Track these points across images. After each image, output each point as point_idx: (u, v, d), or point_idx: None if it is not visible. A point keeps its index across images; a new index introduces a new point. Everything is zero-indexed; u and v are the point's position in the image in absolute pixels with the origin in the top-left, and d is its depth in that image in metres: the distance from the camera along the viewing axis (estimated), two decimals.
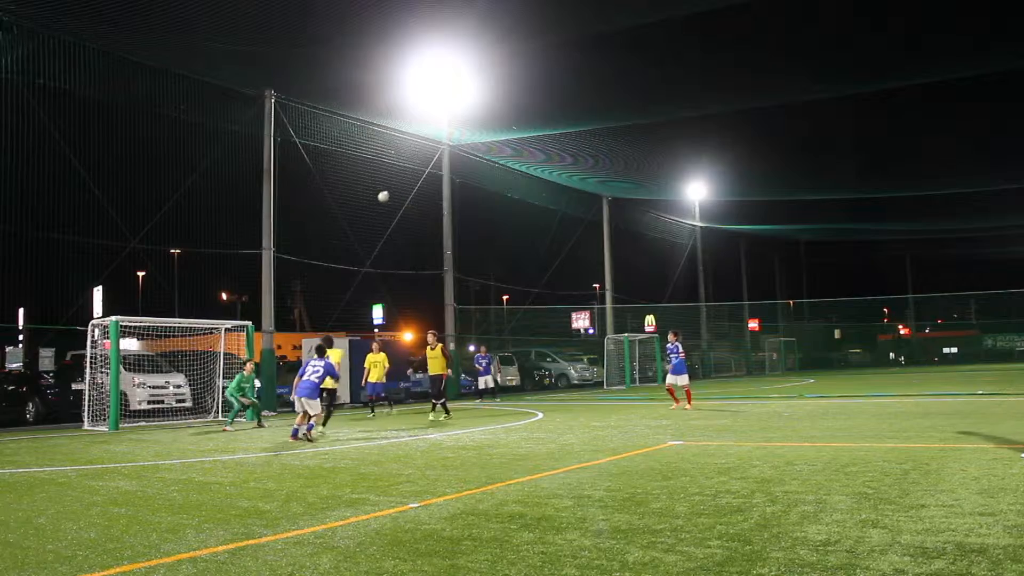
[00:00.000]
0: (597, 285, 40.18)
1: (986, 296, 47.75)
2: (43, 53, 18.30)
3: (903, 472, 6.98)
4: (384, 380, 18.12)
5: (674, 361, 16.88)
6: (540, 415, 16.53)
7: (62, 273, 20.48)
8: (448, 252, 27.89)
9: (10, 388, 20.25)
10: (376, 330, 32.22)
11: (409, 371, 22.72)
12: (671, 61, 22.61)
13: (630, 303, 38.11)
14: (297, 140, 23.06)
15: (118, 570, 4.49)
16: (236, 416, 15.66)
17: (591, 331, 38.79)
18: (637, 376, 33.47)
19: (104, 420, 16.38)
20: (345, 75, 21.96)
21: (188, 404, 19.25)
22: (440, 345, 16.89)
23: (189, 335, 20.26)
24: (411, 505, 6.19)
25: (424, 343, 17.94)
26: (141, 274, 31.59)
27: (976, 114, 28.72)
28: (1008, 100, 27.13)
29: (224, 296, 40.63)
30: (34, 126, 18.54)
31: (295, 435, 11.83)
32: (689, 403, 16.77)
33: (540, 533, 5.03)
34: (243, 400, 15.45)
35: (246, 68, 20.90)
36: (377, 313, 32.52)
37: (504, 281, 38.90)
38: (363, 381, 18.38)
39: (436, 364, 16.51)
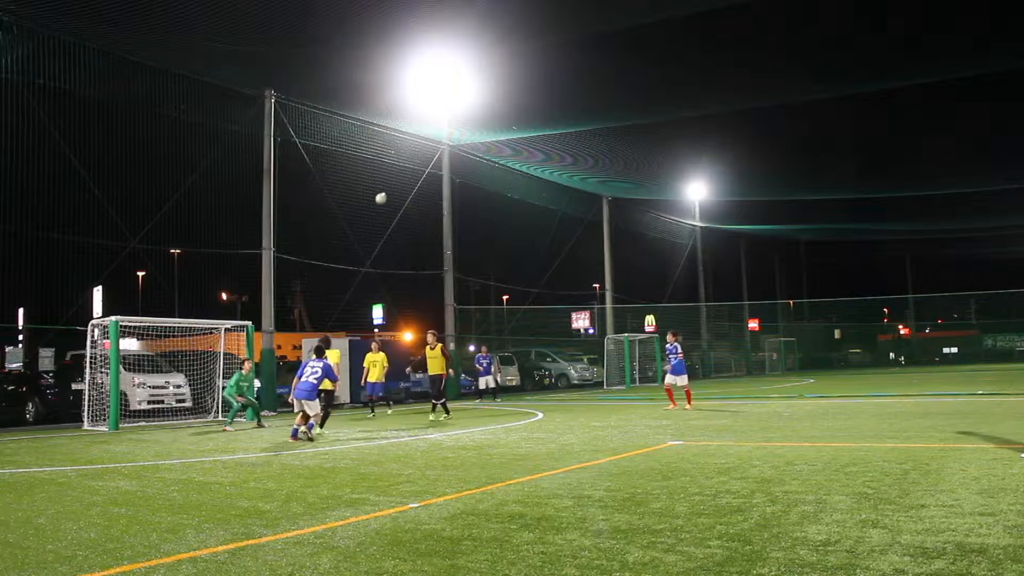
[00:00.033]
0: (597, 285, 40.19)
1: (986, 296, 47.76)
2: (43, 53, 18.30)
3: (903, 472, 6.98)
4: (383, 380, 18.13)
5: (673, 362, 16.89)
6: (540, 415, 16.53)
7: (62, 273, 20.49)
8: (448, 252, 27.89)
9: (10, 388, 20.25)
10: (376, 330, 32.22)
11: (408, 369, 22.72)
12: (671, 61, 22.61)
13: (630, 303, 38.11)
14: (297, 140, 23.06)
15: (118, 570, 4.49)
16: (236, 416, 15.66)
17: (591, 331, 38.80)
18: (637, 376, 33.48)
19: (104, 420, 16.38)
20: (345, 75, 21.96)
21: (188, 404, 19.25)
22: (440, 345, 16.89)
23: (189, 335, 20.27)
24: (411, 505, 6.19)
25: (424, 343, 17.94)
26: (141, 274, 31.59)
27: (976, 114, 28.72)
28: (1008, 100, 27.13)
29: (224, 296, 40.64)
30: (34, 126, 18.54)
31: (295, 435, 11.83)
32: (689, 403, 16.77)
33: (540, 533, 5.03)
34: (239, 399, 15.44)
35: (246, 68, 20.90)
36: (377, 313, 32.52)
37: (504, 281, 38.92)
38: (362, 380, 18.39)
39: (436, 364, 16.50)
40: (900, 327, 60.71)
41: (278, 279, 22.85)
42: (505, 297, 46.51)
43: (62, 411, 18.73)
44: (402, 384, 25.07)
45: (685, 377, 16.85)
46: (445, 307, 28.14)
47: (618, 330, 35.66)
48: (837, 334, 59.27)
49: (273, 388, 21.21)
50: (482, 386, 23.69)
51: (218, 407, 18.59)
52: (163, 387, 19.11)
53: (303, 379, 12.01)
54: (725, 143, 30.16)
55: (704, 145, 30.50)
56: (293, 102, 22.93)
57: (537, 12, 18.77)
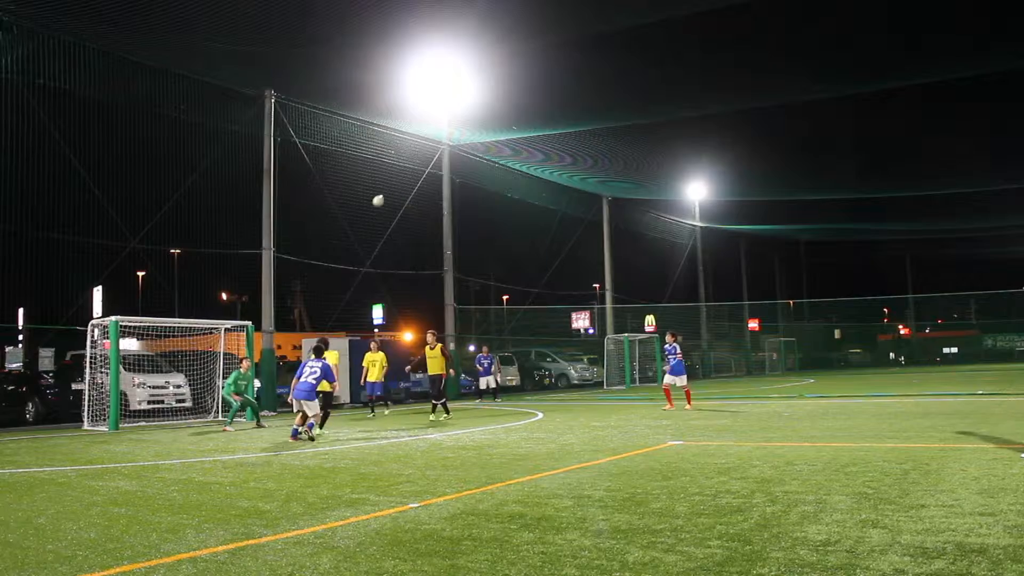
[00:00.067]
0: (597, 285, 40.20)
1: (986, 296, 47.78)
2: (43, 53, 18.30)
3: (903, 472, 6.98)
4: (383, 380, 18.14)
5: (672, 362, 16.91)
6: (540, 415, 16.53)
7: (62, 273, 20.49)
8: (448, 252, 27.89)
9: (10, 388, 20.25)
10: (376, 330, 32.22)
11: (408, 368, 22.72)
12: (671, 61, 22.60)
13: (630, 303, 38.11)
14: (297, 140, 23.07)
15: (118, 570, 4.49)
16: (235, 416, 15.66)
17: (591, 331, 38.80)
18: (637, 376, 33.48)
19: (104, 420, 16.38)
20: (345, 75, 21.96)
21: (188, 404, 19.26)
22: (440, 345, 16.87)
23: (189, 335, 20.27)
24: (411, 505, 6.19)
25: (423, 343, 17.94)
26: (141, 274, 31.60)
27: (976, 114, 28.72)
28: (1008, 100, 27.13)
29: (224, 296, 40.64)
30: (34, 126, 18.54)
31: (295, 435, 11.83)
32: (689, 403, 16.77)
33: (540, 533, 5.03)
34: (235, 397, 15.44)
35: (246, 68, 20.89)
36: (377, 313, 32.53)
37: (504, 281, 38.92)
38: (362, 380, 18.41)
39: (435, 364, 16.49)
40: (900, 327, 60.72)
41: (278, 279, 22.86)
42: (505, 297, 46.52)
43: (62, 411, 18.73)
44: (402, 384, 25.08)
45: (684, 377, 16.86)
46: (445, 307, 28.14)
47: (618, 330, 35.67)
48: (837, 334, 59.29)
49: (273, 388, 21.22)
50: (483, 386, 23.69)
51: (218, 407, 18.59)
52: (163, 387, 19.12)
53: (302, 379, 12.01)
54: (725, 143, 30.15)
55: (704, 145, 30.50)
56: (293, 102, 22.93)
57: (537, 12, 18.77)
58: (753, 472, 7.30)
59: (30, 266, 19.47)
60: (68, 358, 21.49)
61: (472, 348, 38.46)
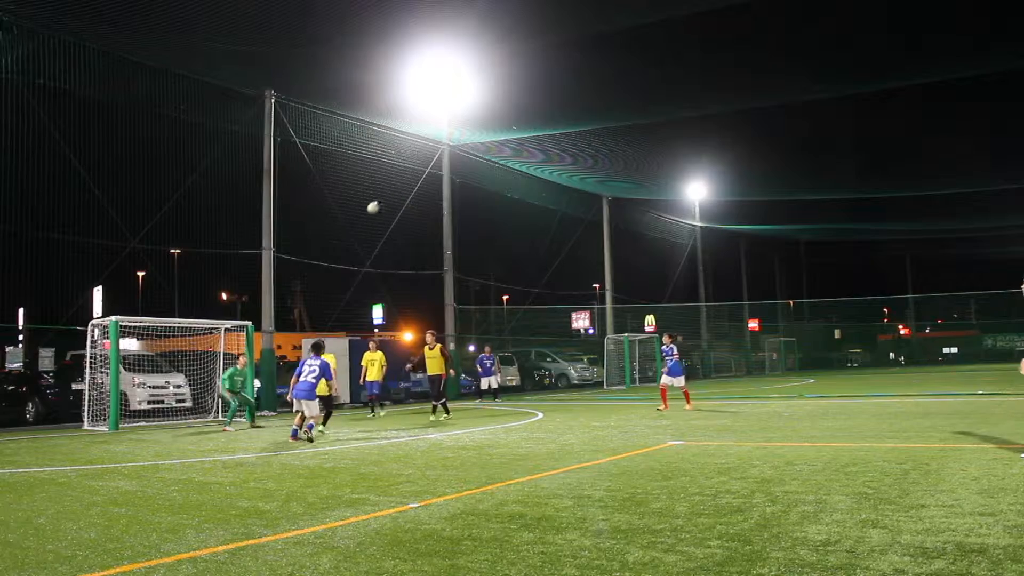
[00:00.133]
0: (597, 285, 40.19)
1: (986, 296, 47.75)
2: (43, 53, 18.30)
3: (903, 472, 6.98)
4: (382, 379, 18.16)
5: (670, 363, 16.92)
6: (540, 415, 16.53)
7: (62, 273, 20.49)
8: (448, 252, 27.89)
9: (10, 388, 20.26)
10: (376, 330, 32.23)
11: (408, 367, 22.74)
12: (671, 61, 22.60)
13: (630, 303, 38.12)
14: (297, 140, 23.07)
15: (118, 570, 4.49)
16: (235, 415, 15.66)
17: (591, 331, 38.80)
18: (637, 376, 33.48)
19: (104, 420, 16.38)
20: (345, 75, 21.96)
21: (188, 404, 19.26)
22: (439, 345, 16.85)
23: (189, 335, 20.27)
24: (411, 505, 6.19)
25: (423, 343, 17.95)
26: (141, 274, 31.59)
27: (976, 114, 28.72)
28: (1008, 100, 27.13)
29: (224, 296, 40.64)
30: (34, 126, 18.54)
31: (295, 435, 11.82)
32: (688, 403, 16.76)
33: (540, 533, 5.03)
34: (229, 394, 15.45)
35: (246, 68, 20.89)
36: (377, 313, 32.53)
37: (504, 281, 38.92)
38: (361, 380, 18.43)
39: (434, 364, 16.47)
40: (900, 327, 60.71)
41: (278, 279, 22.86)
42: (505, 297, 46.52)
43: (62, 411, 18.73)
44: (402, 384, 25.08)
45: (682, 378, 16.87)
46: (445, 307, 28.15)
47: (618, 330, 35.67)
48: (837, 334, 59.28)
49: (273, 388, 21.22)
50: (484, 386, 23.65)
51: (218, 407, 18.59)
52: (163, 387, 19.12)
53: (302, 378, 11.98)
54: (725, 143, 30.16)
55: (704, 145, 30.50)
56: (293, 102, 22.93)
57: (537, 12, 18.77)
58: (753, 472, 7.30)
59: (30, 266, 19.47)
60: (68, 358, 21.49)
61: (472, 348, 38.47)
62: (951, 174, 31.48)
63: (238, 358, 16.10)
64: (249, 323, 19.25)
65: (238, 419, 16.16)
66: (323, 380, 12.51)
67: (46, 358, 21.91)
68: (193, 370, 19.38)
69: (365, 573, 4.24)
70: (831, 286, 51.60)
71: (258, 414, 18.08)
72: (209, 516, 5.99)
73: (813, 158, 32.05)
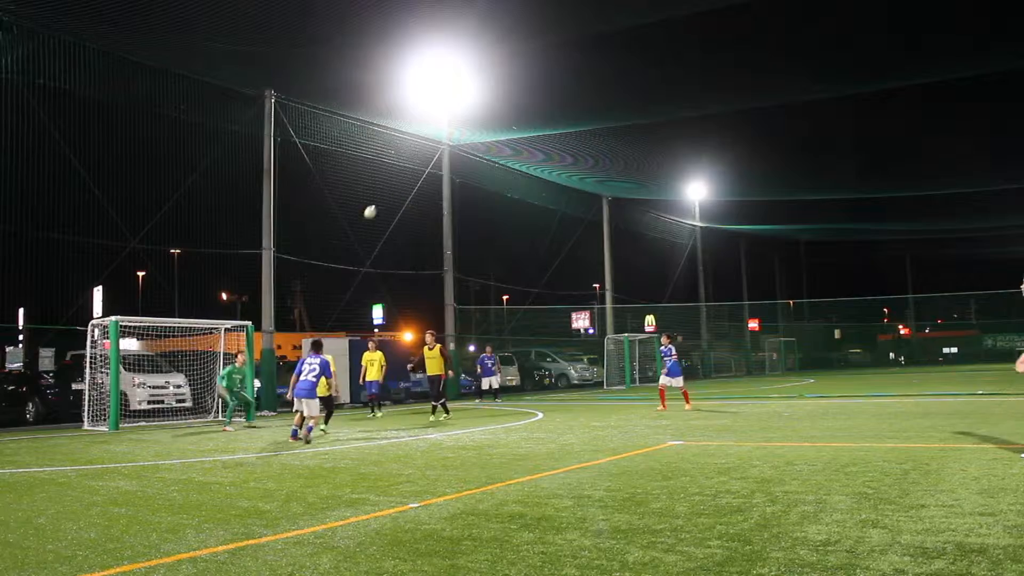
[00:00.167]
0: (597, 285, 40.19)
1: (986, 296, 47.73)
2: (43, 53, 18.30)
3: (903, 472, 6.98)
4: (381, 379, 18.16)
5: (669, 364, 16.92)
6: (540, 415, 16.53)
7: (62, 273, 20.48)
8: (448, 252, 27.89)
9: (10, 388, 20.26)
10: (376, 330, 32.23)
11: (409, 367, 22.75)
12: (671, 61, 22.59)
13: (630, 303, 38.11)
14: (297, 140, 23.06)
15: (118, 570, 4.49)
16: (234, 415, 15.64)
17: (591, 331, 38.80)
18: (637, 376, 33.48)
19: (104, 420, 16.38)
20: (345, 75, 21.95)
21: (188, 404, 19.26)
22: (439, 346, 16.85)
23: (189, 335, 20.27)
24: (411, 505, 6.19)
25: (423, 343, 17.96)
26: (141, 274, 31.59)
27: (976, 114, 28.72)
28: (1008, 100, 27.13)
29: (224, 296, 40.64)
30: (34, 126, 18.54)
31: (294, 436, 11.82)
32: (688, 404, 16.76)
33: (540, 533, 5.03)
34: (225, 393, 15.44)
35: (246, 68, 20.89)
36: (377, 313, 32.53)
37: (504, 281, 38.91)
38: (361, 379, 18.44)
39: (434, 364, 16.47)
40: (900, 327, 60.71)
41: (278, 279, 22.85)
42: (505, 297, 46.52)
43: (62, 411, 18.73)
44: (402, 384, 25.08)
45: (680, 379, 16.87)
46: (445, 307, 28.14)
47: (618, 330, 35.66)
48: (837, 334, 59.28)
49: (273, 388, 21.21)
50: (485, 386, 23.63)
51: (218, 407, 18.59)
52: (163, 387, 19.12)
53: (302, 377, 11.95)
54: (725, 143, 30.15)
55: (704, 145, 30.49)
56: (293, 102, 22.93)
57: (537, 12, 18.76)
58: (753, 472, 7.30)
59: (30, 266, 19.46)
60: (68, 358, 21.49)
61: (472, 348, 38.47)
62: (951, 174, 31.47)
63: (236, 356, 16.09)
64: (249, 323, 19.25)
65: (237, 418, 16.16)
66: (323, 381, 12.51)
67: (46, 358, 21.91)
68: (193, 370, 19.38)
69: (365, 573, 4.24)
70: (831, 286, 51.65)
71: (258, 414, 18.10)
72: (209, 516, 5.99)
73: (813, 158, 32.05)
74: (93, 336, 17.31)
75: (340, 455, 10.03)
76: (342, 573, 4.25)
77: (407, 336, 31.31)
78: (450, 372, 17.03)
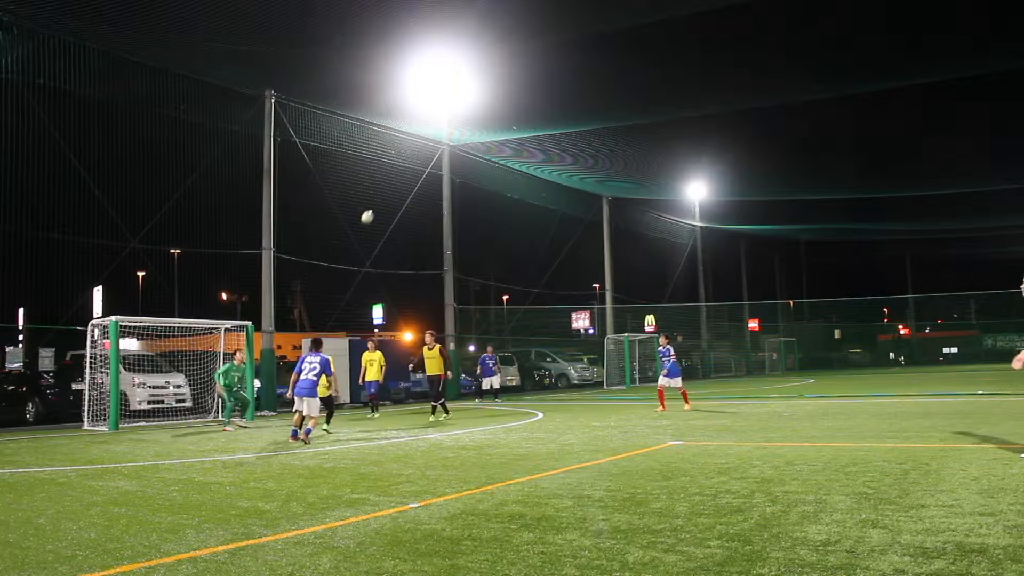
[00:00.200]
0: (597, 285, 40.20)
1: (986, 296, 47.73)
2: (43, 53, 18.30)
3: (903, 472, 6.98)
4: (381, 379, 18.16)
5: (668, 364, 16.91)
6: (540, 415, 16.53)
7: (62, 273, 20.48)
8: (448, 252, 27.89)
9: (10, 388, 20.26)
10: (376, 330, 32.24)
11: (410, 367, 22.78)
12: (671, 61, 22.60)
13: (630, 303, 38.12)
14: (297, 140, 23.07)
15: (118, 570, 4.49)
16: (232, 414, 15.63)
17: (591, 331, 38.81)
18: (637, 376, 33.48)
19: (104, 420, 16.38)
20: (345, 75, 21.96)
21: (188, 404, 19.26)
22: (438, 346, 16.84)
23: (189, 335, 20.27)
24: (411, 505, 6.19)
25: (423, 343, 17.97)
26: (141, 274, 31.61)
27: (976, 114, 28.72)
28: (1008, 100, 27.13)
29: (224, 296, 40.65)
30: (34, 126, 18.55)
31: (294, 436, 11.79)
32: (687, 404, 16.74)
33: (540, 533, 5.03)
34: (220, 391, 15.44)
35: (246, 68, 20.90)
36: (377, 313, 32.54)
37: (504, 281, 38.92)
38: (360, 379, 18.44)
39: (433, 365, 16.46)
40: (900, 327, 60.70)
41: (278, 279, 22.85)
42: (505, 297, 46.52)
43: (62, 411, 18.73)
44: (402, 384, 25.09)
45: (679, 379, 16.86)
46: (445, 307, 28.14)
47: (618, 330, 35.67)
48: (837, 334, 59.27)
49: (273, 388, 21.21)
50: (486, 386, 23.61)
51: (218, 407, 18.59)
52: (163, 387, 19.12)
53: (302, 376, 11.90)
54: (725, 143, 30.16)
55: (704, 145, 30.50)
56: (293, 102, 22.94)
57: (537, 12, 18.77)
58: (753, 472, 7.30)
59: (30, 266, 19.47)
60: (68, 358, 21.50)
61: (473, 348, 38.47)
62: (951, 174, 31.48)
63: (234, 354, 16.07)
64: (249, 323, 19.25)
65: (236, 418, 16.15)
66: (324, 381, 12.48)
67: (46, 358, 21.92)
68: (193, 370, 19.38)
69: (365, 573, 4.24)
70: (831, 286, 51.66)
71: (258, 414, 18.10)
72: (209, 516, 5.99)
73: (813, 158, 32.05)
74: (93, 336, 17.31)
75: (340, 455, 10.03)
76: (342, 573, 4.25)
77: (407, 336, 31.31)
78: (449, 373, 17.02)
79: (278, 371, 21.94)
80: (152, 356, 20.47)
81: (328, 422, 13.77)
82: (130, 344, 19.63)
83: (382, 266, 26.42)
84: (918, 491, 6.05)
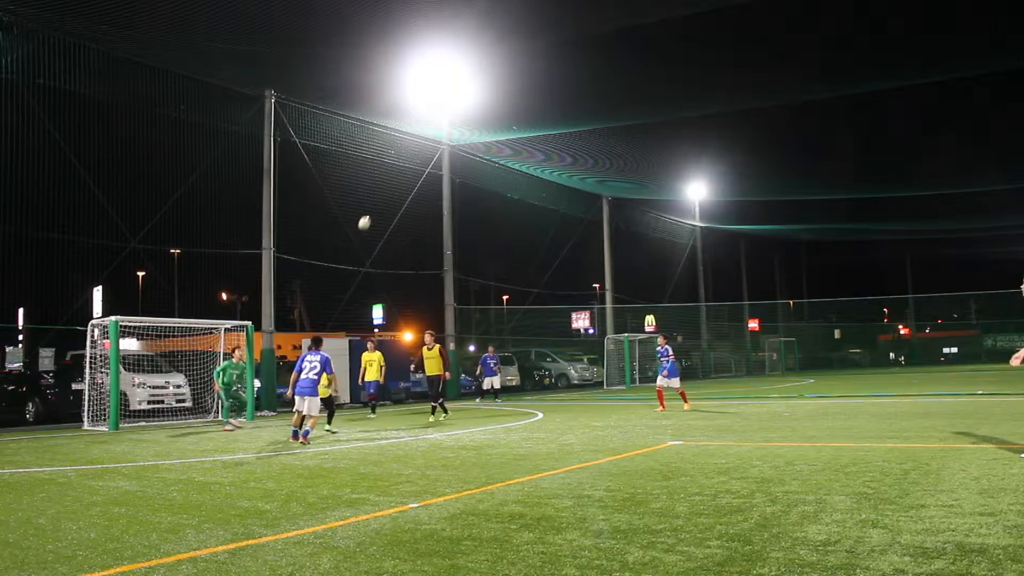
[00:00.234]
0: (597, 285, 40.20)
1: (986, 296, 47.74)
2: (43, 53, 18.30)
3: (903, 472, 6.98)
4: (381, 379, 18.16)
5: (667, 364, 16.91)
6: (540, 415, 16.53)
7: (62, 273, 20.48)
8: (448, 252, 27.89)
9: (10, 388, 20.26)
10: (376, 330, 32.24)
11: (412, 367, 22.80)
12: (671, 61, 22.60)
13: (630, 303, 38.12)
14: (297, 140, 23.07)
15: (118, 570, 4.49)
16: (230, 413, 15.61)
17: (591, 331, 38.81)
18: (637, 376, 33.47)
19: (104, 420, 16.38)
20: (345, 75, 21.96)
21: (188, 404, 19.26)
22: (438, 346, 16.84)
23: (189, 335, 20.27)
24: (411, 505, 6.19)
25: (422, 343, 17.97)
26: (141, 274, 31.62)
27: (976, 114, 28.72)
28: (1008, 100, 27.14)
29: (224, 296, 40.65)
30: (34, 126, 18.55)
31: (295, 436, 11.77)
32: (686, 403, 16.74)
33: (540, 533, 5.03)
34: (218, 389, 15.44)
35: (246, 68, 20.90)
36: (377, 313, 32.55)
37: (504, 281, 38.92)
38: (360, 379, 18.45)
39: (433, 365, 16.45)
40: (900, 327, 60.70)
41: (278, 279, 22.85)
42: (505, 297, 46.52)
43: (62, 411, 18.73)
44: (402, 384, 25.09)
45: (677, 379, 16.85)
46: (445, 307, 28.14)
47: (618, 330, 35.66)
48: (837, 334, 59.25)
49: (273, 388, 21.21)
50: (486, 386, 23.60)
51: (218, 407, 18.59)
52: (163, 387, 19.12)
53: (303, 375, 11.83)
54: (725, 143, 30.16)
55: (704, 145, 30.50)
56: (293, 102, 22.94)
57: (537, 12, 18.77)
58: (753, 472, 7.30)
59: (30, 266, 19.48)
60: (68, 358, 21.50)
61: (473, 348, 38.46)
62: (951, 174, 31.48)
63: (233, 351, 16.06)
64: (249, 323, 19.25)
65: (233, 416, 16.13)
66: (324, 380, 12.46)
67: (46, 358, 21.92)
68: (193, 370, 19.38)
69: (365, 573, 4.24)
70: (831, 286, 51.66)
71: (258, 414, 18.09)
72: (209, 516, 5.99)
73: (813, 158, 32.06)
74: (93, 336, 17.31)
75: (340, 455, 10.03)
76: (342, 573, 4.25)
77: (407, 336, 31.31)
78: (447, 374, 16.99)
79: (278, 371, 21.94)
80: (152, 356, 20.47)
81: (330, 422, 13.77)
82: (130, 344, 19.63)
83: (382, 266, 26.42)
84: (918, 491, 6.05)
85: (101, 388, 16.88)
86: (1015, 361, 7.69)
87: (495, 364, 23.66)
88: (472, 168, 29.98)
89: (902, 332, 60.77)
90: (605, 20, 19.71)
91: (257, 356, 20.01)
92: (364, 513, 5.92)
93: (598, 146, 28.22)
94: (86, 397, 16.92)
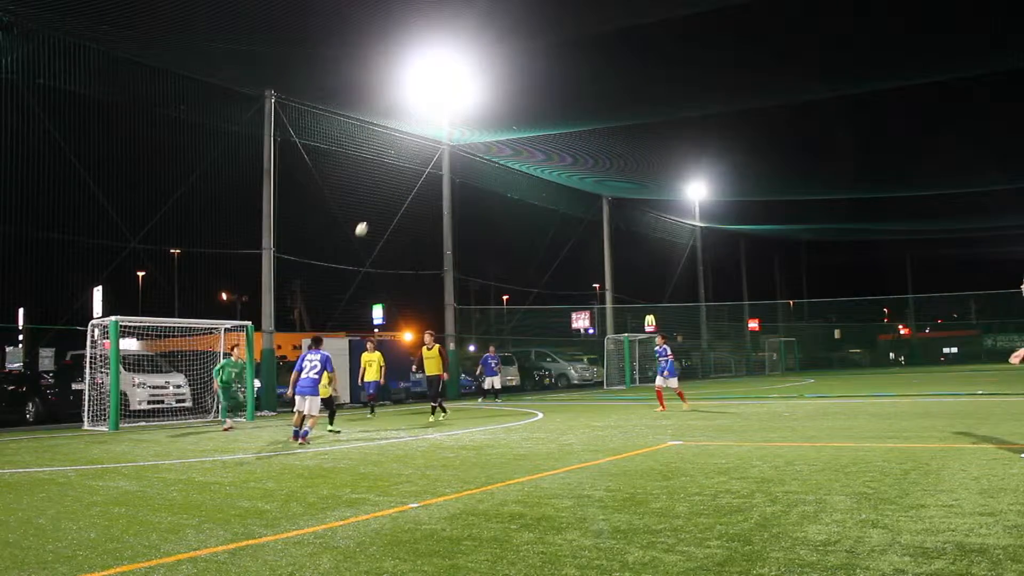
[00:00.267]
0: (597, 285, 40.20)
1: (986, 296, 47.74)
2: (43, 53, 18.31)
3: (903, 472, 6.98)
4: (381, 379, 18.16)
5: (666, 364, 16.91)
6: (540, 415, 16.53)
7: (62, 273, 20.48)
8: (448, 252, 27.89)
9: (10, 388, 20.26)
10: (376, 330, 32.24)
11: (413, 367, 22.81)
12: (671, 61, 22.60)
13: (630, 303, 38.12)
14: (297, 140, 23.07)
15: (118, 570, 4.49)
16: (227, 412, 15.59)
17: (591, 331, 38.81)
18: (637, 376, 33.47)
19: (104, 420, 16.38)
20: (345, 75, 21.96)
21: (188, 404, 19.26)
22: (437, 346, 16.84)
23: (189, 335, 20.27)
24: (411, 505, 6.19)
25: (422, 343, 17.97)
26: (141, 274, 31.61)
27: (976, 114, 28.72)
28: (1008, 100, 27.14)
29: (224, 296, 40.65)
30: (34, 126, 18.55)
31: (295, 436, 11.77)
32: (685, 403, 16.74)
33: (540, 533, 5.03)
34: (216, 388, 15.45)
35: (246, 68, 20.90)
36: (377, 313, 32.55)
37: (504, 281, 38.92)
38: (359, 380, 18.45)
39: (432, 365, 16.46)
40: (900, 327, 60.70)
41: (278, 279, 22.85)
42: (505, 297, 46.52)
43: (62, 411, 18.73)
44: (402, 384, 25.09)
45: (675, 380, 16.85)
46: (445, 307, 28.14)
47: (618, 330, 35.67)
48: (837, 334, 59.23)
49: (273, 388, 21.21)
50: (487, 386, 23.60)
51: (218, 407, 18.58)
52: (163, 387, 19.12)
53: (303, 374, 11.80)
54: (725, 143, 30.16)
55: (704, 145, 30.51)
56: (293, 102, 22.94)
57: (537, 12, 18.77)
58: (753, 472, 7.30)
59: (30, 266, 19.47)
60: (68, 358, 21.50)
61: (473, 348, 38.46)
62: (951, 174, 31.48)
63: (232, 350, 16.05)
64: (249, 323, 19.25)
65: (238, 417, 16.14)
66: (325, 379, 12.45)
67: (46, 358, 21.92)
68: (193, 370, 19.37)
69: (365, 573, 4.24)
70: (831, 286, 51.65)
71: (258, 414, 18.08)
72: (209, 516, 5.99)
73: (813, 158, 32.06)
74: (93, 336, 17.31)
75: (340, 455, 10.03)
76: (342, 573, 4.25)
77: (407, 336, 31.31)
78: (446, 374, 16.97)
79: (278, 371, 21.93)
80: (152, 356, 20.47)
81: (332, 422, 13.77)
82: (130, 344, 19.63)
83: (382, 266, 26.42)
84: (918, 491, 6.05)
85: (101, 388, 16.88)
86: (1015, 359, 7.70)
87: (496, 364, 23.65)
88: (472, 168, 29.98)
89: (902, 332, 60.76)
90: (605, 20, 19.71)
91: (257, 356, 20.01)
92: (364, 513, 5.92)
93: (598, 146, 28.22)
94: (86, 397, 16.93)
